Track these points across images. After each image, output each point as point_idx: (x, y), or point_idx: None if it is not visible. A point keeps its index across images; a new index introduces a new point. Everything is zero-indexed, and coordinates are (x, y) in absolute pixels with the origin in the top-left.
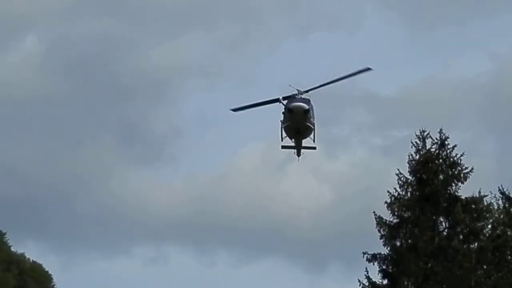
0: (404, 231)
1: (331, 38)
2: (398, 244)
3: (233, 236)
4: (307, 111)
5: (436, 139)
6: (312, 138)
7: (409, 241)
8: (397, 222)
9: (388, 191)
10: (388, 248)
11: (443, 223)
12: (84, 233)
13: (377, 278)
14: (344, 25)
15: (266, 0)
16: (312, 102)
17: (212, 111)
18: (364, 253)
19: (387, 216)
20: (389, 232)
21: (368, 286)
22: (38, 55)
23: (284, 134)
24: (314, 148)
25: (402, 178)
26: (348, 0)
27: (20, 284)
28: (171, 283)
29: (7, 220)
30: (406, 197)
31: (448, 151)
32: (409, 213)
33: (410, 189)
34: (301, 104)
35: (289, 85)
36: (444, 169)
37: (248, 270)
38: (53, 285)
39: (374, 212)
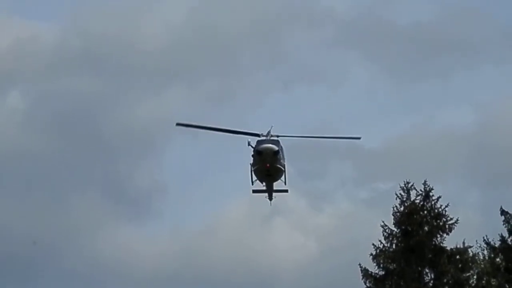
0: (390, 282)
1: (314, 91)
2: None
3: None
4: (276, 153)
5: (421, 190)
6: (283, 180)
7: None
8: (382, 274)
9: (373, 244)
10: None
11: (429, 274)
12: None
13: None
14: (327, 77)
15: (249, 54)
16: (281, 144)
17: (196, 165)
18: None
19: (373, 268)
20: (375, 284)
21: None
22: (21, 112)
23: (255, 178)
24: (286, 191)
25: (387, 230)
26: (330, 53)
27: None
28: None
29: None
30: (391, 249)
31: (433, 202)
32: (394, 264)
33: (395, 241)
34: (270, 145)
35: (272, 125)
36: (429, 220)
37: None
38: None
39: (359, 264)
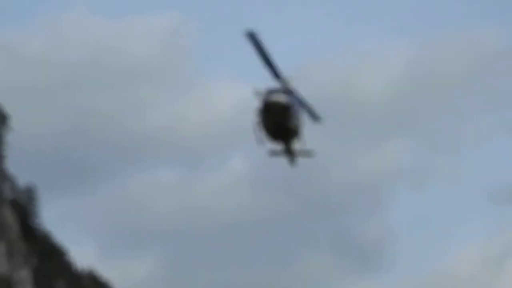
0: None
1: None
2: None
3: None
4: (286, 108)
5: None
6: (300, 141)
7: None
8: None
9: None
10: None
11: None
12: None
13: None
14: None
15: (468, 100)
16: (297, 95)
17: (425, 212)
18: None
19: None
20: None
21: None
22: (244, 174)
23: (264, 136)
24: (310, 152)
25: None
26: None
27: None
28: None
29: None
30: None
31: None
32: None
33: None
34: (279, 99)
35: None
36: None
37: None
38: None
39: None
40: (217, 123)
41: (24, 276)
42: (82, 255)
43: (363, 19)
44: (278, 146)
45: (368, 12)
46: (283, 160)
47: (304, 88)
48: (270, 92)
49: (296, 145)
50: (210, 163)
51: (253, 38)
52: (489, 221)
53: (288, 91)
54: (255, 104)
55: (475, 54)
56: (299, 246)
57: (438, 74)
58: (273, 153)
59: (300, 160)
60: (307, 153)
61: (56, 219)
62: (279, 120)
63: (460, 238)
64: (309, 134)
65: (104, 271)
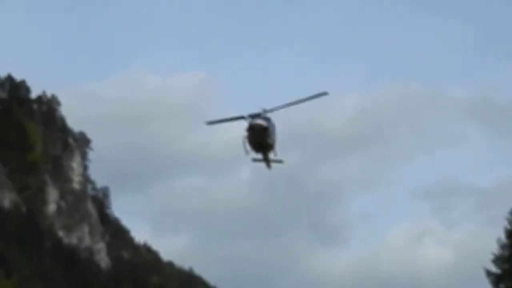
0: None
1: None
2: None
3: None
4: (265, 129)
5: None
6: (274, 152)
7: None
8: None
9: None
10: None
11: None
12: None
13: None
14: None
15: (401, 130)
16: (272, 121)
17: (371, 206)
18: None
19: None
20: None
21: None
22: (249, 181)
23: (250, 149)
24: (281, 161)
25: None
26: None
27: None
28: None
29: None
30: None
31: None
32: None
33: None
34: (260, 122)
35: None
36: None
37: None
38: None
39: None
40: (231, 146)
41: (100, 247)
42: (140, 233)
43: (328, 72)
44: (258, 156)
45: (331, 67)
46: (274, 170)
47: (284, 124)
48: (254, 117)
49: (271, 155)
50: (226, 173)
51: (213, 122)
52: (412, 212)
53: (266, 117)
54: (244, 125)
55: (406, 100)
56: (286, 228)
57: (380, 112)
58: (255, 160)
59: (283, 168)
60: (279, 161)
61: (122, 209)
62: (260, 137)
63: (393, 224)
64: (292, 153)
65: (155, 244)
